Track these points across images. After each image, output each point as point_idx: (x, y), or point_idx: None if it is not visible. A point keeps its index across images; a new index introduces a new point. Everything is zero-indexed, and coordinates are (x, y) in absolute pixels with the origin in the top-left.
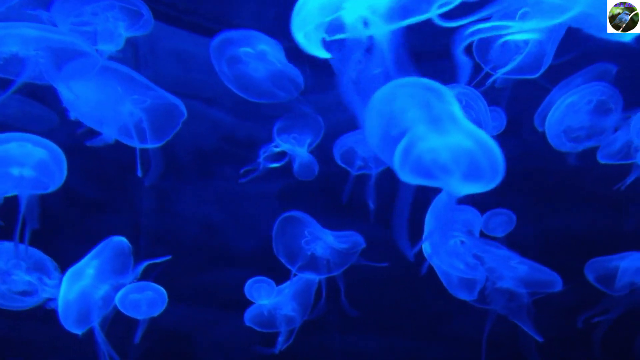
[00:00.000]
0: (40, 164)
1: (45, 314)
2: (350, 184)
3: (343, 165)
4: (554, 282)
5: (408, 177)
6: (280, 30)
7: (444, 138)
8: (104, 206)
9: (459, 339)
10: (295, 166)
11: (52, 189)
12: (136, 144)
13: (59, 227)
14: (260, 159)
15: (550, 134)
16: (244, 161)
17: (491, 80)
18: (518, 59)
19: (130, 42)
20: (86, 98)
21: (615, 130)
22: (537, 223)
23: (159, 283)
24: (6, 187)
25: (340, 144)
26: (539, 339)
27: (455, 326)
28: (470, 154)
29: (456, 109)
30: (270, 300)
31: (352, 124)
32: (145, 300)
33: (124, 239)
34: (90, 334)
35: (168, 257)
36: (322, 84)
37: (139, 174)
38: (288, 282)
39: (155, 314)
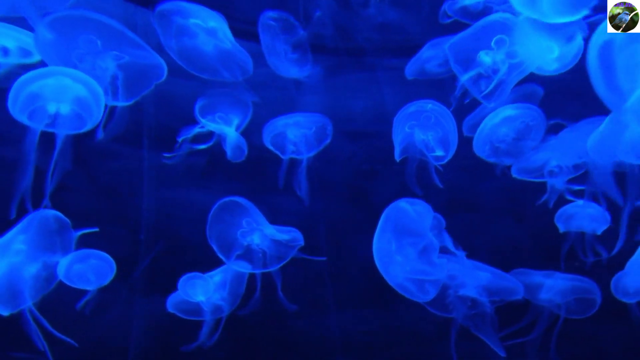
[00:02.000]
0: (78, 101)
1: None
2: (283, 169)
3: (274, 150)
4: (516, 289)
5: None
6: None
7: None
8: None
9: None
10: (226, 147)
11: (88, 128)
12: (107, 100)
13: None
14: (180, 140)
15: (477, 143)
16: None
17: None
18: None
19: None
20: (61, 44)
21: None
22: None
23: (159, 279)
24: (42, 124)
25: (270, 128)
26: (501, 353)
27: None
28: None
29: None
30: (206, 297)
31: (282, 107)
32: (91, 269)
33: (52, 212)
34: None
35: (95, 229)
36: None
37: (100, 134)
38: (218, 270)
39: (105, 282)
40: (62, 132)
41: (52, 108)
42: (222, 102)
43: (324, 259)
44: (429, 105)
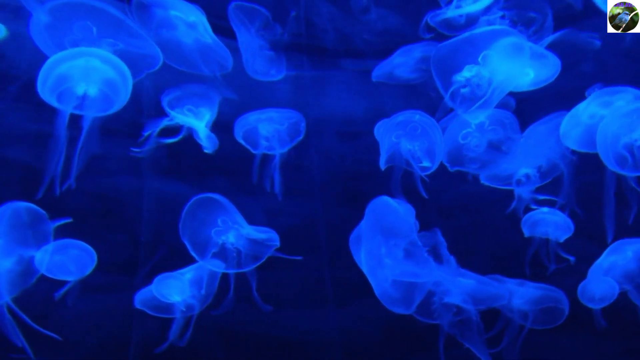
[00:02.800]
0: (106, 82)
1: None
2: (257, 164)
3: (246, 145)
4: (501, 296)
5: None
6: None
7: None
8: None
9: None
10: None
11: (115, 109)
12: None
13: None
14: (145, 134)
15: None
16: None
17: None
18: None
19: None
20: (56, 29)
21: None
22: None
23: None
24: (70, 106)
25: (242, 123)
26: None
27: None
28: None
29: None
30: (182, 297)
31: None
32: (71, 259)
33: (24, 204)
34: None
35: (69, 219)
36: None
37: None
38: (191, 267)
39: (86, 272)
40: (90, 114)
41: (80, 89)
42: (191, 94)
43: (300, 258)
44: (417, 116)
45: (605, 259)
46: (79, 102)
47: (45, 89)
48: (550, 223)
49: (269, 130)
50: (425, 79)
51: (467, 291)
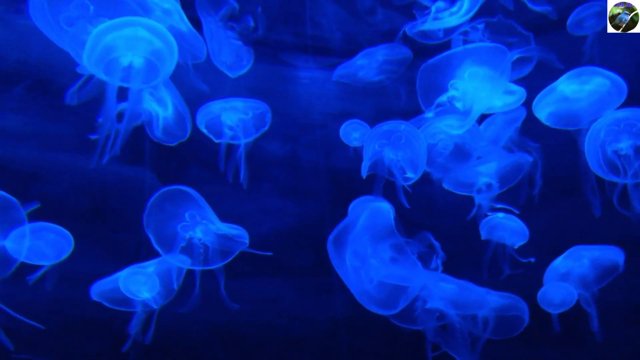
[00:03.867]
0: (153, 52)
1: None
2: (222, 154)
3: (208, 134)
4: (482, 302)
5: None
6: None
7: None
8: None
9: None
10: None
11: (160, 79)
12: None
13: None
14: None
15: None
16: None
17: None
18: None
19: None
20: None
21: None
22: None
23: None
24: (117, 77)
25: (205, 112)
26: None
27: None
28: None
29: None
30: (152, 294)
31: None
32: (48, 243)
33: None
34: None
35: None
36: None
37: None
38: (154, 261)
39: (63, 257)
40: (136, 85)
41: (125, 60)
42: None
43: (270, 253)
44: (402, 126)
45: (562, 264)
46: (125, 72)
47: (91, 61)
48: (507, 228)
49: (233, 119)
50: (390, 81)
51: (449, 296)
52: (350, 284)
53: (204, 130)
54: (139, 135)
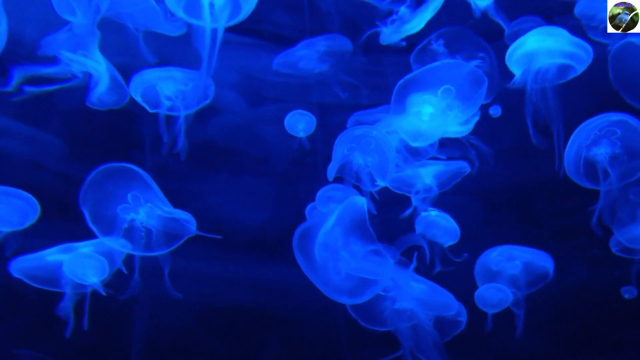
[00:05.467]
0: None
1: None
2: (162, 126)
3: (142, 104)
4: (450, 305)
5: None
6: None
7: None
8: None
9: None
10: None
11: (242, 17)
12: None
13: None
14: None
15: None
16: None
17: None
18: None
19: None
20: None
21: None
22: None
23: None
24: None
25: (140, 80)
26: None
27: None
28: None
29: None
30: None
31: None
32: (12, 208)
33: None
34: None
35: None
36: None
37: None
38: (89, 242)
39: (28, 223)
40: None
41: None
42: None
43: (220, 237)
44: (374, 132)
45: (494, 261)
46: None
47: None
48: (441, 227)
49: (171, 89)
50: (331, 72)
51: (418, 296)
52: (315, 276)
53: (139, 100)
54: None
